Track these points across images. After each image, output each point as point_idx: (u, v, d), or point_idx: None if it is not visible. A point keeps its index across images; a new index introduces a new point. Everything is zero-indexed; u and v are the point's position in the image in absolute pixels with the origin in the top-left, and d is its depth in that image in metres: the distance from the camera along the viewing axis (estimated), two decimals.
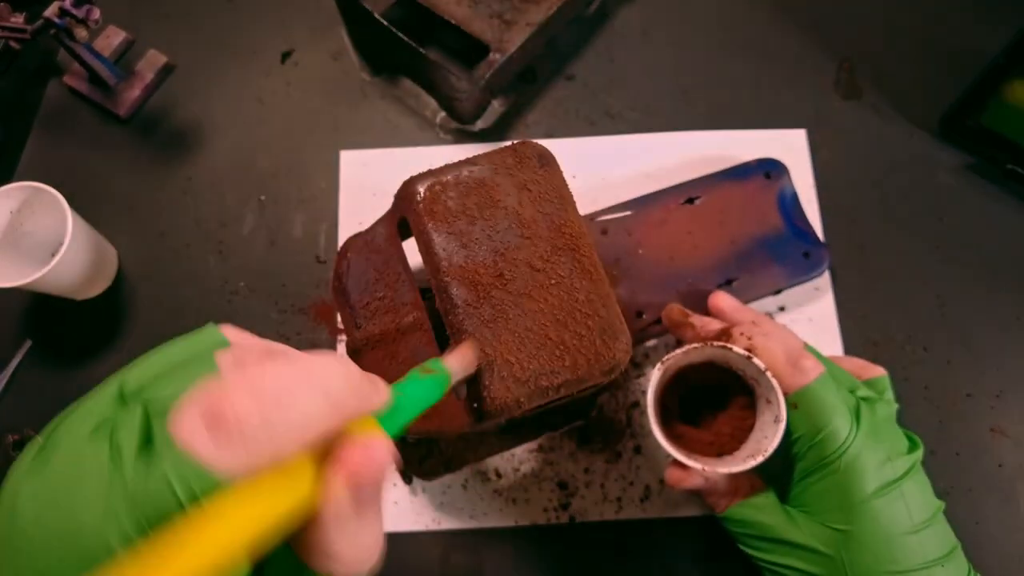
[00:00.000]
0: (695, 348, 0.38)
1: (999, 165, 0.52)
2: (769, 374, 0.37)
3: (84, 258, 0.46)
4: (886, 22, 0.57)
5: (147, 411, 0.19)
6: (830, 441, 0.36)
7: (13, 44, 0.51)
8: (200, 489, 0.17)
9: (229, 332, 0.23)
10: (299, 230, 0.51)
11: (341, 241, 0.50)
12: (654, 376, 0.38)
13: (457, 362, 0.29)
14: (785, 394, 0.37)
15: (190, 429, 0.18)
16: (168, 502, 0.18)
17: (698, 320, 0.42)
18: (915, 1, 0.57)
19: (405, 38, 0.48)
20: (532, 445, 0.46)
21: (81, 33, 0.48)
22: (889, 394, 0.39)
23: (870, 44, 0.56)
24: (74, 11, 0.46)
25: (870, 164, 0.53)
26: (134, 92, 0.54)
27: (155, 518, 0.18)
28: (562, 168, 0.37)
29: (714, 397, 0.42)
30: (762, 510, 0.38)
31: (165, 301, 0.50)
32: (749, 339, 0.39)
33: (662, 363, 0.38)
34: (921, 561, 0.34)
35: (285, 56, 0.56)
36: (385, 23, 0.49)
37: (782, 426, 0.37)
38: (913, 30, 0.56)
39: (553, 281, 0.34)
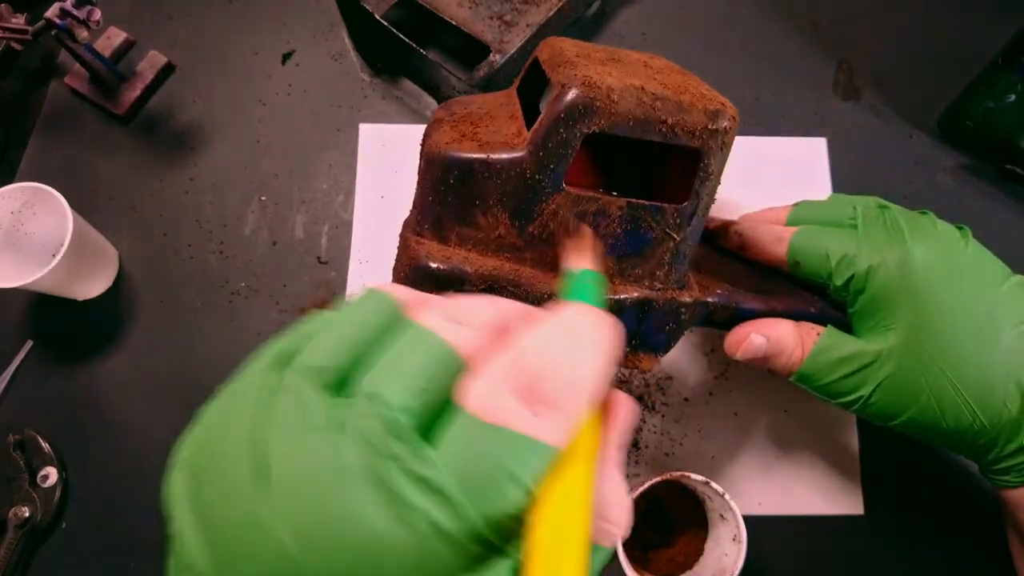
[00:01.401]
0: (659, 480, 0.39)
1: (997, 165, 0.52)
2: (727, 496, 0.38)
3: (85, 258, 0.46)
4: (884, 23, 0.57)
5: (378, 400, 0.17)
6: (844, 263, 0.36)
7: (14, 45, 0.51)
8: (537, 467, 0.16)
9: (399, 293, 0.20)
10: (301, 231, 0.51)
11: (356, 211, 0.51)
12: None
13: (591, 258, 0.27)
14: (780, 264, 0.38)
15: (503, 407, 0.16)
16: (497, 492, 0.16)
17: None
18: (914, 2, 0.57)
19: (406, 39, 0.49)
20: None
21: (82, 34, 0.48)
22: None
23: (868, 45, 0.56)
24: (75, 12, 0.46)
25: (869, 165, 0.53)
26: (135, 93, 0.54)
27: (479, 520, 0.16)
28: None
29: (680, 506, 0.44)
30: (837, 344, 0.36)
31: (166, 301, 0.50)
32: (740, 235, 0.40)
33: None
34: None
35: (286, 57, 0.56)
36: (386, 24, 0.49)
37: (743, 547, 0.37)
38: (912, 31, 0.57)
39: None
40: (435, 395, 0.17)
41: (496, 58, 0.49)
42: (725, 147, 0.32)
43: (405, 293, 0.20)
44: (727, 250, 0.42)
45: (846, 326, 0.37)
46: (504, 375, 0.17)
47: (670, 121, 0.31)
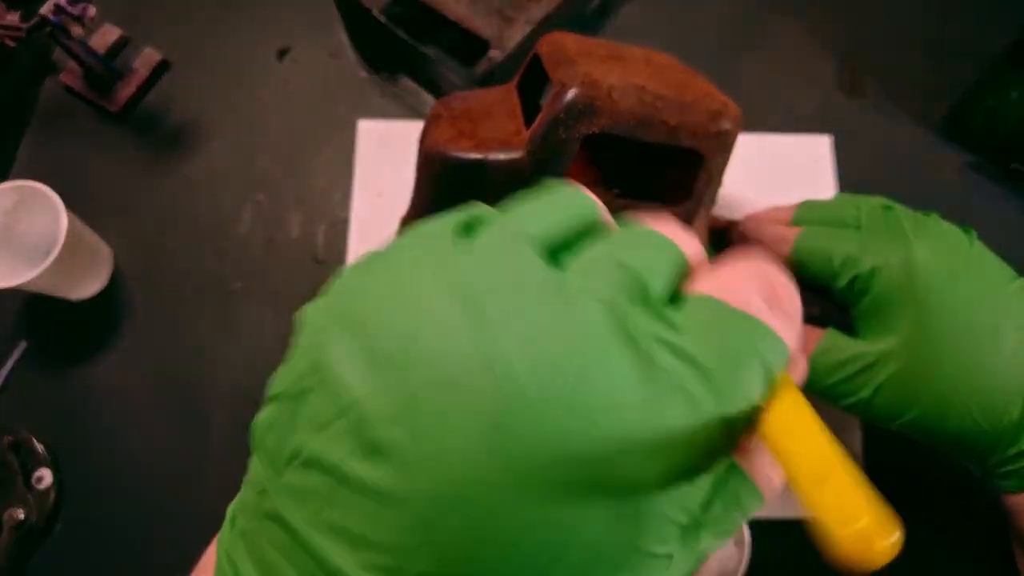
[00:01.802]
0: None
1: (1003, 164, 0.51)
2: None
3: (79, 258, 0.46)
4: (890, 21, 0.56)
5: (634, 275, 0.16)
6: (848, 264, 0.35)
7: (8, 42, 0.50)
8: (779, 365, 0.16)
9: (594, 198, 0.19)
10: (297, 230, 0.51)
11: (354, 209, 0.50)
12: None
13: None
14: (787, 261, 0.38)
15: (750, 300, 0.16)
16: (749, 376, 0.15)
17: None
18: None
19: (404, 35, 0.48)
20: None
21: (77, 31, 0.47)
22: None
23: (874, 43, 0.56)
24: (70, 8, 0.46)
25: (874, 163, 0.52)
26: (130, 90, 0.54)
27: (736, 394, 0.15)
28: None
29: None
30: (838, 346, 0.36)
31: (161, 301, 0.49)
32: (743, 235, 0.40)
33: None
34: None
35: (282, 54, 0.56)
36: (383, 20, 0.48)
37: (745, 550, 0.37)
38: (917, 29, 0.56)
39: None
40: (673, 284, 0.16)
41: (496, 54, 0.49)
42: (727, 149, 0.32)
43: (599, 202, 0.19)
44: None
45: (849, 328, 0.37)
46: (749, 275, 0.16)
47: (672, 122, 0.30)
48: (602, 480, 0.14)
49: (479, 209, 0.18)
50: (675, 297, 0.16)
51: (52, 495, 0.45)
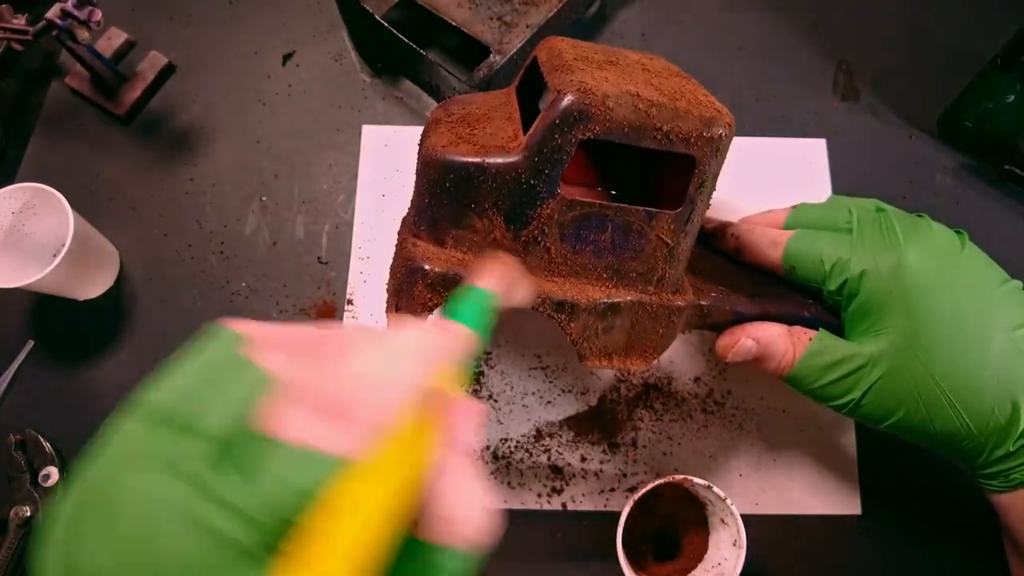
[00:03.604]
0: (661, 482, 0.39)
1: (997, 166, 0.52)
2: (729, 501, 0.38)
3: (86, 259, 0.46)
4: (884, 23, 0.57)
5: (201, 434, 0.18)
6: (838, 268, 0.36)
7: (15, 45, 0.51)
8: (324, 477, 0.17)
9: (240, 326, 0.21)
10: (301, 231, 0.51)
11: (357, 211, 0.51)
12: (624, 511, 0.39)
13: (492, 280, 0.28)
14: (776, 268, 0.38)
15: (296, 424, 0.17)
16: (288, 504, 0.17)
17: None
18: (913, 2, 0.57)
19: (406, 40, 0.49)
20: (529, 429, 0.46)
21: (83, 34, 0.48)
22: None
23: (868, 45, 0.56)
24: (76, 12, 0.46)
25: (868, 165, 0.53)
26: (136, 93, 0.54)
27: (277, 528, 0.17)
28: None
29: (681, 524, 0.44)
30: (828, 348, 0.36)
31: (167, 302, 0.50)
32: (736, 238, 0.41)
33: (631, 496, 0.39)
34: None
35: (287, 58, 0.56)
36: (386, 25, 0.49)
37: (742, 552, 0.37)
38: (911, 31, 0.57)
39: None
40: (249, 424, 0.18)
41: (496, 59, 0.49)
42: (720, 154, 0.32)
43: (248, 327, 0.21)
44: (723, 252, 0.42)
45: (840, 330, 0.37)
46: (305, 392, 0.18)
47: (665, 128, 0.31)
48: None
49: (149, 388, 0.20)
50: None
51: (59, 493, 0.45)
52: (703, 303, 0.36)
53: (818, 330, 0.37)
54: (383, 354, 0.19)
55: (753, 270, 0.40)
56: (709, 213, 0.39)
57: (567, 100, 0.29)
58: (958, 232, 0.37)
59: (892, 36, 0.57)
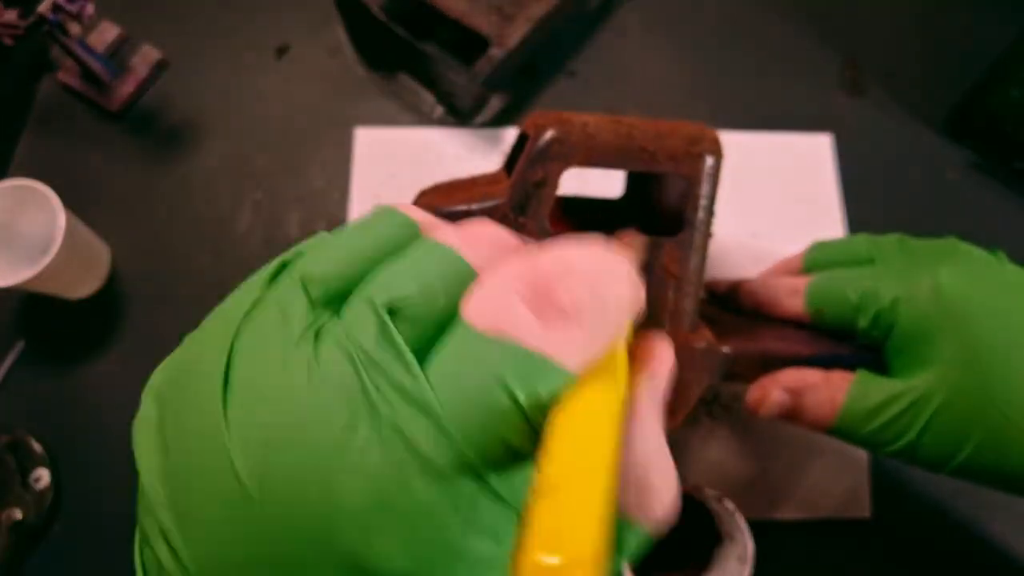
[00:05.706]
0: None
1: (1006, 163, 0.51)
2: (738, 516, 0.37)
3: (76, 257, 0.46)
4: (892, 19, 0.56)
5: (383, 312, 0.14)
6: (867, 300, 0.32)
7: (6, 40, 0.50)
8: (546, 390, 0.14)
9: (414, 213, 0.17)
10: (295, 229, 0.51)
11: (352, 210, 0.50)
12: None
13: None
14: (801, 317, 0.35)
15: (514, 318, 0.14)
16: (492, 423, 0.14)
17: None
18: None
19: (403, 33, 0.48)
20: None
21: (74, 29, 0.47)
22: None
23: (876, 41, 0.55)
24: (67, 7, 0.45)
25: (875, 162, 0.52)
26: (128, 88, 0.53)
27: (469, 448, 0.14)
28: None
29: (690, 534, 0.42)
30: (873, 388, 0.32)
31: (159, 300, 0.49)
32: (753, 294, 0.38)
33: None
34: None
35: (281, 52, 0.56)
36: (383, 18, 0.48)
37: (748, 568, 0.36)
38: (920, 27, 0.56)
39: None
40: (442, 308, 0.15)
41: (496, 52, 0.48)
42: (713, 177, 0.32)
43: (420, 214, 0.17)
44: (744, 313, 0.39)
45: (883, 369, 0.33)
46: (516, 276, 0.15)
47: (650, 147, 0.30)
48: (339, 549, 0.13)
49: (291, 255, 0.17)
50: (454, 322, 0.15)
51: (50, 495, 0.45)
52: (725, 349, 0.33)
53: (856, 371, 0.33)
54: (597, 257, 0.15)
55: (779, 324, 0.37)
56: (717, 276, 0.38)
57: (548, 133, 0.30)
58: (993, 252, 0.34)
59: (900, 31, 0.56)
